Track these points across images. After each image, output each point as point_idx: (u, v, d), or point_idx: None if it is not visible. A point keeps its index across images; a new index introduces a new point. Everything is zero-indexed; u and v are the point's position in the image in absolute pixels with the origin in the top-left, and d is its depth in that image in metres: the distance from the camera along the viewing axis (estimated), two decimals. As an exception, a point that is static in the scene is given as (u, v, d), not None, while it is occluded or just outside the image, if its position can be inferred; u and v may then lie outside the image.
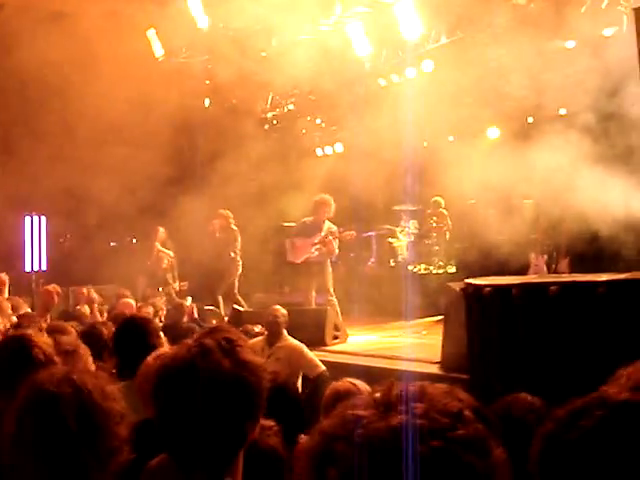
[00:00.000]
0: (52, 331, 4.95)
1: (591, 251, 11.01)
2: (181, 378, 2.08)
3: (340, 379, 4.56)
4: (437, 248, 15.11)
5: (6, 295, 8.84)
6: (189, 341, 2.18)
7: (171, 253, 15.21)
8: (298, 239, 11.89)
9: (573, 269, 11.45)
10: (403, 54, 13.75)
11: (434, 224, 15.29)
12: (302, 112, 18.29)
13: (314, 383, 7.80)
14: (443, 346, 7.96)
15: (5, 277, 10.16)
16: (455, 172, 11.83)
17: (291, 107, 18.12)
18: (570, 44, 12.42)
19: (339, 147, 18.17)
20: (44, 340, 3.56)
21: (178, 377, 2.09)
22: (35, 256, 16.02)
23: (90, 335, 5.87)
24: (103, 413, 2.25)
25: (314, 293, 11.74)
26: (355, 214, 13.47)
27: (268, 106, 18.35)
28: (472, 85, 13.29)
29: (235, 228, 13.79)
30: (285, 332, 8.39)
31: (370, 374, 7.00)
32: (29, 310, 9.40)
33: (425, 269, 14.94)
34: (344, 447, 1.16)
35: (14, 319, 7.39)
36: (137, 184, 14.57)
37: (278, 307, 8.62)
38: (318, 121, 18.62)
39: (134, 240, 19.55)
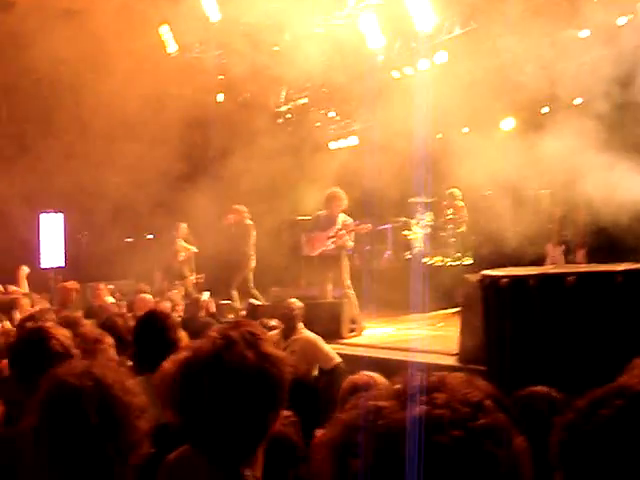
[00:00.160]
0: (67, 323, 4.98)
1: (608, 241, 10.95)
2: (207, 369, 2.11)
3: (357, 372, 4.56)
4: (453, 240, 15.06)
5: (26, 289, 8.91)
6: (213, 334, 2.20)
7: (194, 248, 15.25)
8: (314, 233, 11.89)
9: (590, 260, 11.40)
10: (416, 46, 13.69)
11: (450, 216, 15.24)
12: (316, 105, 18.26)
13: (330, 375, 7.82)
14: (460, 338, 7.96)
15: (26, 269, 10.17)
16: (470, 163, 11.78)
17: (305, 101, 18.11)
18: (584, 33, 12.34)
19: (353, 140, 18.13)
20: (62, 332, 3.57)
21: (204, 368, 2.11)
22: (52, 253, 16.11)
23: (105, 327, 5.88)
24: (124, 407, 2.26)
25: (330, 286, 11.73)
26: (370, 207, 13.44)
27: (282, 100, 18.35)
28: (486, 76, 13.22)
29: (250, 223, 13.81)
30: (301, 325, 8.40)
31: (387, 366, 6.98)
32: (48, 305, 9.48)
33: (441, 261, 14.90)
34: (366, 438, 1.16)
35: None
36: (151, 179, 14.62)
37: (294, 300, 8.63)
38: (332, 114, 18.59)
39: (150, 236, 19.62)
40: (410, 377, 1.24)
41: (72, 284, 8.09)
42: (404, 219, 16.00)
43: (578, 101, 12.71)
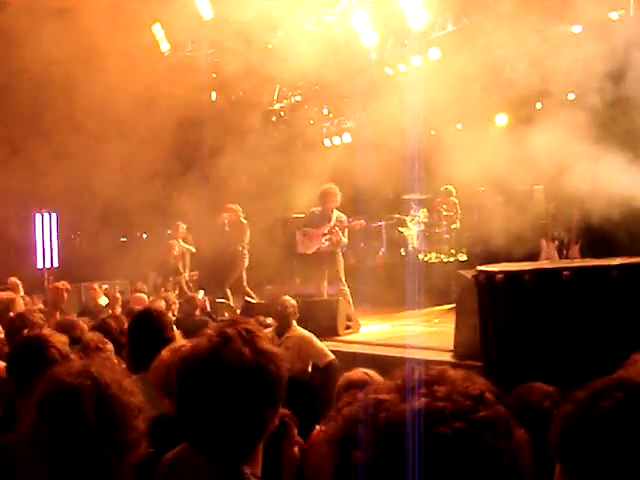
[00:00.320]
0: (63, 328, 4.97)
1: (602, 236, 10.97)
2: (204, 366, 2.11)
3: (353, 369, 4.56)
4: (447, 236, 15.09)
5: (22, 293, 8.93)
6: (210, 331, 2.20)
7: (192, 249, 15.24)
8: (308, 230, 11.89)
9: (584, 255, 11.42)
10: (409, 43, 13.70)
11: (444, 212, 15.26)
12: (309, 103, 18.27)
13: (324, 372, 7.84)
14: (456, 334, 7.96)
15: (17, 281, 10.22)
16: (464, 160, 11.79)
17: (298, 99, 18.12)
18: (577, 29, 12.36)
19: (347, 137, 18.15)
20: (60, 339, 3.59)
21: (201, 365, 2.12)
22: (47, 253, 16.09)
23: (99, 329, 5.88)
24: (121, 406, 2.26)
25: (326, 284, 11.74)
26: (365, 204, 13.47)
27: (275, 98, 18.35)
28: (479, 72, 13.25)
29: (244, 222, 13.79)
30: (294, 322, 8.41)
31: (383, 363, 7.01)
32: (42, 306, 9.47)
33: (436, 258, 14.92)
34: (368, 431, 1.17)
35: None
36: (145, 179, 14.60)
37: (287, 297, 8.63)
38: (325, 112, 18.60)
39: (144, 235, 19.62)
40: (409, 371, 1.25)
41: (63, 284, 8.11)
42: (398, 216, 16.02)
43: (571, 97, 12.74)
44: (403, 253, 15.93)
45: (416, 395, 1.18)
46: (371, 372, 4.27)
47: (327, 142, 18.65)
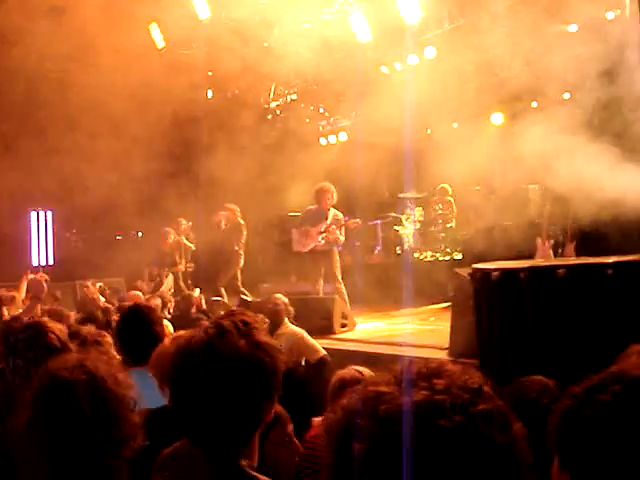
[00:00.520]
0: (52, 316, 4.98)
1: (597, 235, 10.98)
2: (199, 357, 2.11)
3: (346, 367, 4.56)
4: (443, 235, 15.10)
5: (24, 293, 8.94)
6: (206, 323, 2.20)
7: (192, 246, 15.22)
8: (304, 228, 11.89)
9: (579, 253, 11.43)
10: (405, 41, 13.70)
11: (440, 211, 15.27)
12: (305, 102, 18.27)
13: (315, 367, 7.87)
14: (451, 332, 7.96)
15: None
16: (460, 158, 11.80)
17: (294, 97, 18.11)
18: (572, 28, 12.38)
19: (343, 136, 18.15)
20: (58, 327, 3.60)
21: (196, 357, 2.11)
22: (42, 251, 16.07)
23: (87, 321, 5.89)
24: (117, 400, 2.26)
25: (322, 282, 11.74)
26: (360, 202, 13.48)
27: (271, 96, 18.34)
28: (475, 71, 13.26)
29: (242, 222, 13.76)
30: (286, 320, 8.43)
31: (378, 361, 7.01)
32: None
33: (431, 256, 14.93)
34: (368, 422, 1.18)
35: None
36: (140, 176, 14.60)
37: (278, 295, 8.65)
38: (321, 110, 18.60)
39: (140, 233, 19.59)
40: (408, 364, 1.25)
41: (41, 275, 8.22)
42: (394, 215, 16.03)
43: (566, 96, 12.75)
44: (399, 252, 15.95)
45: (416, 388, 1.19)
46: (364, 370, 4.27)
47: (323, 141, 18.65)
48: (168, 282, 14.55)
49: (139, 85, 13.17)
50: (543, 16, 11.64)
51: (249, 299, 12.84)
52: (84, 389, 2.22)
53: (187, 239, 15.21)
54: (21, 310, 7.63)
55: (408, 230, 15.77)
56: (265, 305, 9.49)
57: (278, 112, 18.86)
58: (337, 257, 11.85)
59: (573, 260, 8.59)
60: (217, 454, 2.11)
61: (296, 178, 14.77)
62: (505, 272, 6.45)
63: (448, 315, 8.51)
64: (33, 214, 16.24)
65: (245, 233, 13.77)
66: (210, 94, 17.78)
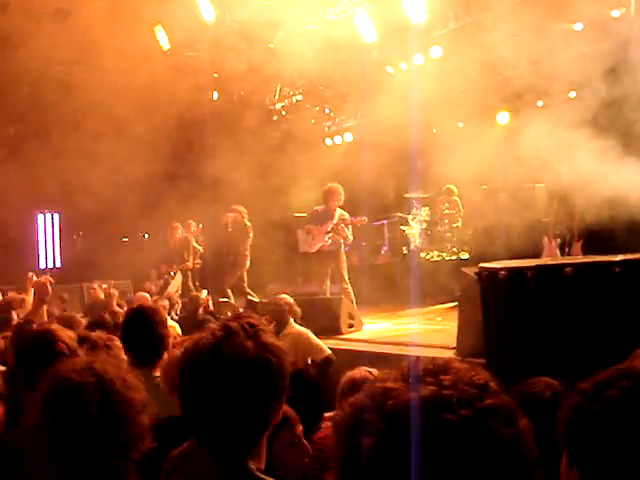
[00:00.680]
0: (63, 323, 4.98)
1: (604, 234, 10.96)
2: (206, 360, 2.11)
3: (356, 367, 4.56)
4: (449, 235, 15.09)
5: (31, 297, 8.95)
6: (213, 325, 2.21)
7: (201, 249, 15.24)
8: (310, 228, 11.89)
9: (586, 252, 11.41)
10: (411, 41, 13.69)
11: (446, 211, 15.26)
12: (310, 102, 18.28)
13: (320, 367, 7.89)
14: (458, 331, 7.95)
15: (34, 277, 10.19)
16: (466, 158, 11.79)
17: (299, 98, 18.12)
18: (578, 26, 12.36)
19: (348, 136, 18.16)
20: (68, 334, 3.61)
21: (204, 359, 2.12)
22: (49, 253, 16.11)
23: (95, 324, 5.90)
24: (125, 402, 2.27)
25: (328, 282, 11.74)
26: (366, 203, 13.47)
27: (276, 97, 18.35)
28: (481, 70, 13.23)
29: (248, 224, 13.75)
30: (292, 320, 8.44)
31: (386, 361, 7.01)
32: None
33: (438, 256, 14.91)
34: (376, 417, 1.19)
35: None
36: (146, 178, 14.63)
37: (283, 296, 8.66)
38: (327, 111, 18.61)
39: (146, 235, 19.63)
40: (414, 361, 1.26)
41: (45, 278, 8.24)
42: (400, 215, 16.02)
43: (572, 95, 12.73)
44: (405, 252, 15.94)
45: (423, 384, 1.20)
46: (374, 371, 4.26)
47: (328, 141, 18.67)
48: (176, 281, 14.57)
49: (144, 87, 13.19)
50: (548, 15, 11.62)
51: (256, 300, 12.85)
52: (92, 391, 2.22)
53: (197, 242, 15.23)
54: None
55: (414, 230, 15.75)
56: (271, 306, 9.52)
57: (283, 113, 18.87)
58: (344, 257, 11.85)
59: (580, 258, 8.56)
60: (225, 455, 2.11)
61: (302, 179, 14.78)
62: (512, 271, 6.43)
63: (455, 315, 8.49)
64: (40, 217, 16.29)
65: (251, 234, 13.77)
66: (215, 96, 17.79)
